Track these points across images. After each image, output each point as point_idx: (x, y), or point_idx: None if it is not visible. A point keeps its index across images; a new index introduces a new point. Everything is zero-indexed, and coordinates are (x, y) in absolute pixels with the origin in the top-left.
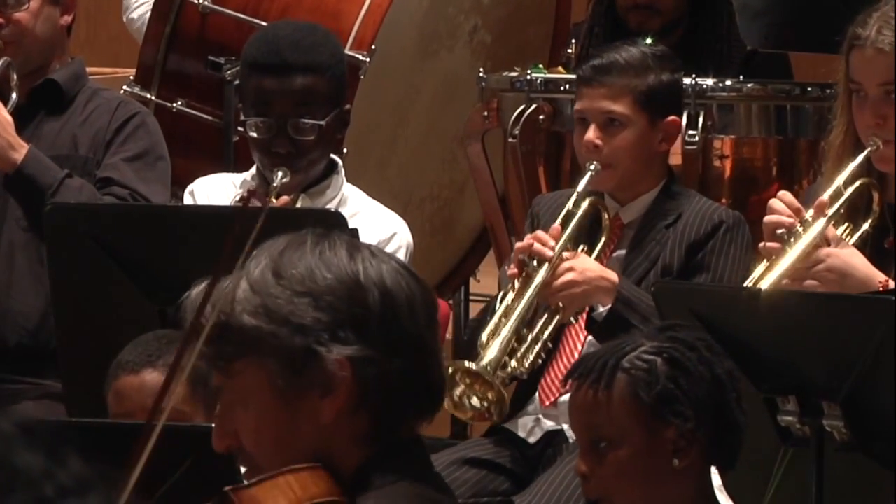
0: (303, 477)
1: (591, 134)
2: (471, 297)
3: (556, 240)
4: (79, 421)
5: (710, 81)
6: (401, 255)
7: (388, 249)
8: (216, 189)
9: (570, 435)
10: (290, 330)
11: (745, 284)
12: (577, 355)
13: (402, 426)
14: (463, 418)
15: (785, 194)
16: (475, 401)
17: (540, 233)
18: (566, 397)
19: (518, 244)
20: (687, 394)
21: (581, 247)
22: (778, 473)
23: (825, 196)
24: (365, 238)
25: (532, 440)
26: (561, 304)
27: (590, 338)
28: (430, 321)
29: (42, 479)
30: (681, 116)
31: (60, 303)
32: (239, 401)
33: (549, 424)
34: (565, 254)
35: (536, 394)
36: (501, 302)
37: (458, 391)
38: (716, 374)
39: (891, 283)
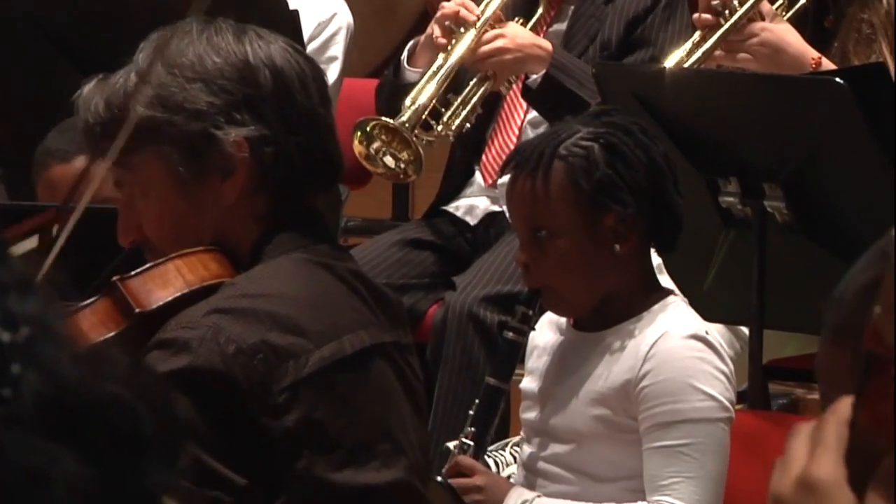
0: (192, 261)
1: None
2: None
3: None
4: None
5: None
6: (341, 36)
7: (329, 30)
8: None
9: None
10: (185, 116)
11: (677, 56)
12: (516, 131)
13: (302, 202)
14: (374, 173)
15: None
16: (389, 159)
17: None
18: (506, 178)
19: (442, 8)
20: (625, 179)
21: (516, 19)
22: (719, 255)
23: None
24: (305, 19)
25: (473, 222)
26: (491, 72)
27: (529, 116)
28: (322, 97)
29: None
30: None
31: None
32: (140, 193)
33: (489, 206)
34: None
35: (477, 174)
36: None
37: (374, 145)
38: (652, 157)
39: (823, 60)
